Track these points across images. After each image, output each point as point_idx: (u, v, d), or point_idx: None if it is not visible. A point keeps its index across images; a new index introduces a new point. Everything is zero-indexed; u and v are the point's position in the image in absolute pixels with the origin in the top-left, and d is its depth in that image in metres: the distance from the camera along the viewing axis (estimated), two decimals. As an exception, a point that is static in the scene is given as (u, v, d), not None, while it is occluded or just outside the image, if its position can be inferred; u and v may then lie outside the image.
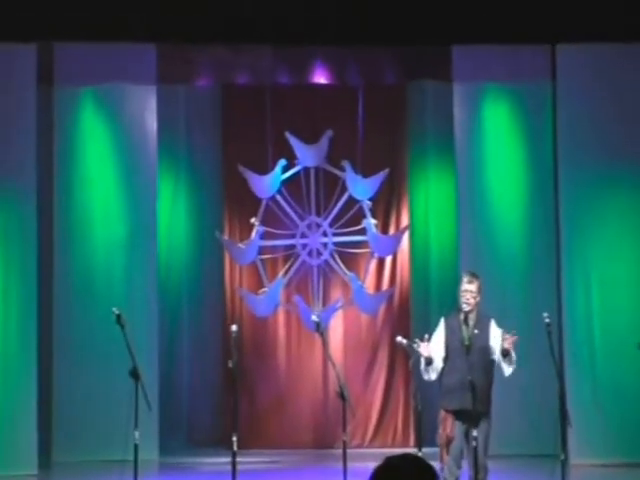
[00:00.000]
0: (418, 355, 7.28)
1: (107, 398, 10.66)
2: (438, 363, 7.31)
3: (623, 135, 10.88)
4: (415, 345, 7.24)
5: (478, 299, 7.39)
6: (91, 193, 11.27)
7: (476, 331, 7.27)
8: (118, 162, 11.29)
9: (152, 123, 11.32)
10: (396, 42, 11.17)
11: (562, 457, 7.63)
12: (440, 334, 7.42)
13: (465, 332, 7.30)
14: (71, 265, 11.18)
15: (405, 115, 12.28)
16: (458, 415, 7.30)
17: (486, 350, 7.35)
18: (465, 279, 7.40)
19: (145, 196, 11.30)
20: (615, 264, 10.80)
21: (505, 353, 7.22)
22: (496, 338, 7.36)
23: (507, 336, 7.22)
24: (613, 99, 10.91)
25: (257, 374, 12.03)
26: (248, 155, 12.10)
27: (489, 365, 7.41)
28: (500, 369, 7.37)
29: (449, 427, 7.28)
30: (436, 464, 7.26)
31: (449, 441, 7.26)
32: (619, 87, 10.92)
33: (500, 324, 7.72)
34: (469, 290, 7.34)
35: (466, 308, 7.32)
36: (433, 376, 7.33)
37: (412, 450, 10.17)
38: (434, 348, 7.32)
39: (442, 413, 7.38)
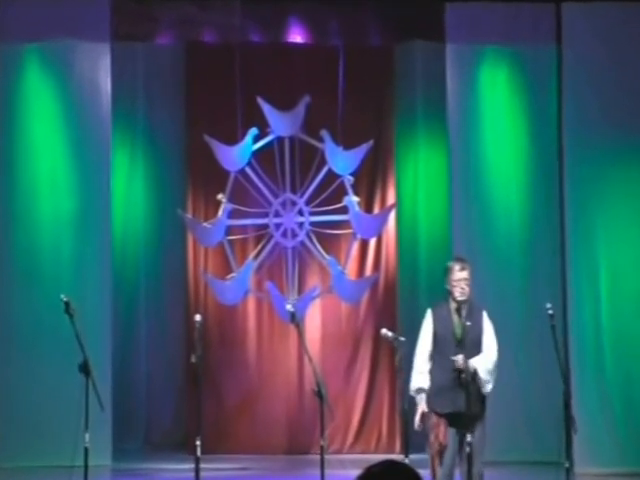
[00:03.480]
0: (404, 350, 7.27)
1: (54, 396, 10.60)
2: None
3: (634, 106, 10.88)
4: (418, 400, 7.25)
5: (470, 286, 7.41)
6: (36, 164, 11.16)
7: (468, 323, 7.26)
8: (67, 129, 11.18)
9: (106, 85, 11.22)
10: (383, -3, 11.16)
11: (566, 465, 7.65)
12: (428, 328, 7.39)
13: (457, 323, 7.28)
14: (13, 246, 11.07)
15: (392, 80, 12.24)
16: (451, 419, 7.27)
17: (480, 344, 7.33)
18: (457, 267, 7.41)
19: (98, 168, 11.20)
20: (626, 249, 10.81)
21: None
22: (488, 333, 7.35)
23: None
24: (624, 65, 10.92)
25: (224, 370, 12.00)
26: (215, 123, 12.03)
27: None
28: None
29: (442, 434, 7.25)
30: (426, 474, 7.24)
31: (442, 450, 7.24)
32: (631, 52, 10.93)
33: (497, 316, 7.69)
34: (463, 278, 7.36)
35: (462, 298, 7.32)
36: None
37: (398, 457, 10.17)
38: (424, 347, 7.32)
39: (433, 418, 7.34)
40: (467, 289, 7.35)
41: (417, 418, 7.26)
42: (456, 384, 7.19)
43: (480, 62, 11.37)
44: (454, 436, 7.28)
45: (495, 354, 7.36)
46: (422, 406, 7.28)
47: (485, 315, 7.46)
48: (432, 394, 7.38)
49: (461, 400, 7.16)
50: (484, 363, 7.28)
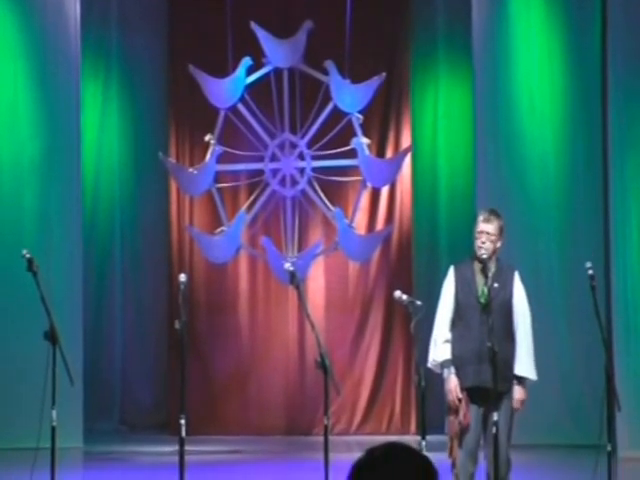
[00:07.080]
0: (422, 315, 7.27)
1: (16, 368, 10.66)
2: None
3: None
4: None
5: (498, 244, 7.40)
6: (-7, 101, 11.14)
7: (496, 284, 7.26)
8: (29, 58, 11.16)
9: (74, 7, 11.17)
10: None
11: (608, 448, 7.66)
12: (450, 289, 7.40)
13: (482, 285, 7.29)
14: (-32, 195, 11.09)
15: (408, 2, 12.16)
16: (473, 394, 7.30)
17: (509, 309, 7.34)
18: (481, 217, 7.41)
19: (65, 104, 11.20)
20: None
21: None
22: (520, 297, 7.36)
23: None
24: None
25: (212, 338, 12.05)
26: (202, 51, 12.03)
27: (512, 329, 7.41)
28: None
29: (463, 412, 7.28)
30: (444, 458, 7.28)
31: (463, 431, 7.26)
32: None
33: (530, 279, 7.68)
34: (485, 231, 7.34)
35: (482, 254, 7.30)
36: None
37: (414, 439, 10.21)
38: (446, 312, 7.33)
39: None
40: (489, 245, 7.31)
41: (453, 395, 7.22)
42: (481, 355, 7.19)
43: (511, -22, 11.30)
44: (477, 415, 7.29)
45: (531, 337, 7.37)
46: (454, 381, 7.27)
47: (517, 277, 7.45)
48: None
49: (487, 374, 7.16)
50: (529, 362, 7.31)
